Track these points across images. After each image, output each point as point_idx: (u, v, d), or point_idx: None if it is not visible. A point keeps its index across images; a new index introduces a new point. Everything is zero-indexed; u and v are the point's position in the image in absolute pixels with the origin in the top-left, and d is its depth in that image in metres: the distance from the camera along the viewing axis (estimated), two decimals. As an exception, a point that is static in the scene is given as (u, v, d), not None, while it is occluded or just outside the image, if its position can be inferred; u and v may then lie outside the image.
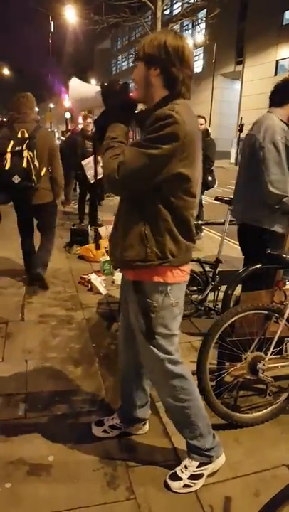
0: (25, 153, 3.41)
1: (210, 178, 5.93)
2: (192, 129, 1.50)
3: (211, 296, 3.55)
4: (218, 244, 3.45)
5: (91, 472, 1.89)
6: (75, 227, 5.70)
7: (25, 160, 3.40)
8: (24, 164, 3.40)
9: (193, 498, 1.79)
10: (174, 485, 1.81)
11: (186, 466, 1.85)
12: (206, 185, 5.88)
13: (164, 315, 1.68)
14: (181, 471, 1.84)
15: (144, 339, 1.73)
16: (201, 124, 5.89)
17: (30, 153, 3.43)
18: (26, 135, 3.49)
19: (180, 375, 1.77)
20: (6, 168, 3.39)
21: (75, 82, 1.73)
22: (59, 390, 2.48)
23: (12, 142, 3.43)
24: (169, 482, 1.82)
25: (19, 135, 3.48)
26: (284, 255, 2.17)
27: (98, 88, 1.68)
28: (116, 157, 1.50)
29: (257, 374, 2.15)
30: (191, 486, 1.81)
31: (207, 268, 3.51)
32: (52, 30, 28.26)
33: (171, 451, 2.03)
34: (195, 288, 3.54)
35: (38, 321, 3.40)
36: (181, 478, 1.82)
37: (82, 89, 1.74)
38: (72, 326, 3.35)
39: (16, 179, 3.40)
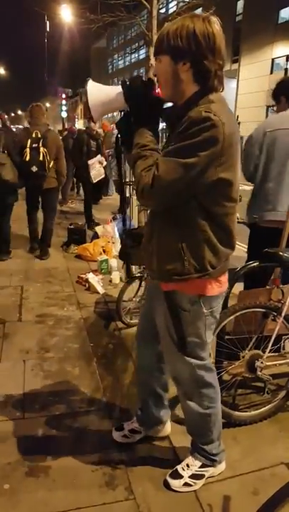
0: (41, 150, 4.44)
1: None
2: (231, 129, 1.36)
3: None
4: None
5: (90, 472, 1.89)
6: (72, 227, 5.69)
7: (41, 154, 4.44)
8: (41, 158, 4.44)
9: (192, 497, 1.78)
10: (175, 483, 1.80)
11: (188, 465, 1.84)
12: None
13: (196, 325, 1.61)
14: (183, 469, 1.83)
15: (175, 348, 1.65)
16: None
17: (44, 150, 4.45)
18: (39, 135, 4.48)
19: (210, 384, 1.74)
20: (27, 159, 4.41)
21: (92, 86, 1.55)
22: (57, 390, 2.47)
23: (29, 140, 4.43)
24: (170, 480, 1.81)
25: (34, 135, 4.47)
26: (281, 253, 2.17)
27: (119, 89, 1.51)
28: (149, 169, 1.38)
29: (255, 372, 2.15)
30: (191, 485, 1.80)
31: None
32: (48, 29, 28.17)
33: (170, 450, 2.03)
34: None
35: (35, 321, 3.39)
36: (182, 476, 1.81)
37: (102, 93, 1.56)
38: (70, 325, 3.34)
39: (34, 169, 4.46)
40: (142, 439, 2.07)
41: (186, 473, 1.81)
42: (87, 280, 4.15)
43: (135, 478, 1.86)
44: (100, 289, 4.03)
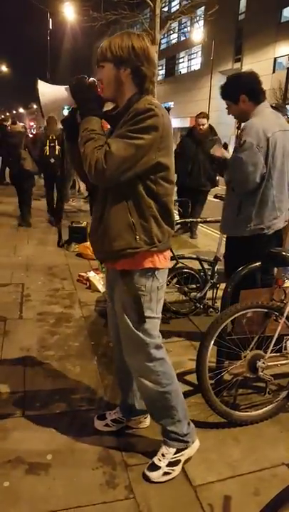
0: (57, 147, 6.58)
1: (217, 178, 5.86)
2: (168, 121, 1.63)
3: (209, 294, 3.55)
4: (215, 241, 3.44)
5: (90, 471, 1.88)
6: (73, 225, 5.68)
7: (57, 150, 6.58)
8: (57, 152, 6.58)
9: (193, 497, 1.78)
10: (153, 475, 1.84)
11: (163, 455, 1.89)
12: (214, 183, 5.92)
13: (150, 298, 1.75)
14: (159, 460, 1.88)
15: (129, 327, 1.76)
16: (203, 125, 5.76)
17: (58, 147, 6.51)
18: (54, 137, 6.58)
19: (162, 359, 1.82)
20: (47, 154, 6.60)
21: (42, 86, 1.77)
22: (57, 388, 2.47)
23: (48, 141, 6.60)
24: (148, 473, 1.85)
25: (50, 137, 6.62)
26: (284, 253, 2.16)
27: (66, 86, 1.73)
28: (100, 148, 1.56)
29: (256, 372, 2.14)
30: (170, 473, 1.85)
31: (206, 266, 3.51)
32: (50, 27, 28.09)
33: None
34: (194, 286, 3.53)
35: (36, 319, 3.38)
36: (159, 467, 1.85)
37: (51, 91, 1.78)
38: (71, 323, 3.33)
39: (52, 160, 6.61)
40: (142, 438, 2.08)
41: (162, 463, 1.86)
42: (87, 279, 4.15)
43: (135, 477, 1.86)
44: (101, 288, 4.02)
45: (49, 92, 1.78)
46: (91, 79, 1.76)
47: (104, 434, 2.10)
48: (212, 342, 2.09)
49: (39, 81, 1.78)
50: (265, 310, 2.18)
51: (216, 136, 5.92)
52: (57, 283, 4.23)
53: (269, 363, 2.17)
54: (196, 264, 3.52)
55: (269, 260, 2.29)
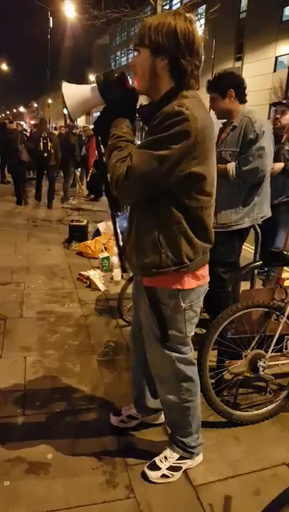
0: (49, 143, 7.86)
1: None
2: (205, 124, 1.39)
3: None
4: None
5: (90, 470, 1.88)
6: (73, 223, 5.68)
7: (49, 146, 7.85)
8: (49, 148, 7.85)
9: (193, 496, 1.77)
10: (152, 474, 1.83)
11: (166, 457, 1.87)
12: None
13: (176, 319, 1.63)
14: (161, 461, 1.86)
15: (156, 341, 1.69)
16: None
17: (50, 143, 7.86)
18: (46, 135, 7.95)
19: (190, 378, 1.76)
20: (41, 149, 7.82)
21: (66, 89, 1.57)
22: (58, 387, 2.46)
23: (41, 138, 7.83)
24: (147, 471, 1.84)
25: (43, 135, 7.91)
26: (285, 252, 2.15)
27: (93, 84, 1.54)
28: (124, 160, 1.41)
29: (257, 372, 2.14)
30: (168, 477, 1.83)
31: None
32: (51, 25, 28.06)
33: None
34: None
35: (36, 318, 3.37)
36: (160, 468, 1.84)
37: (77, 93, 1.58)
38: (71, 322, 3.33)
39: (45, 154, 7.86)
40: (142, 437, 2.07)
41: (163, 465, 1.84)
42: (88, 277, 4.14)
43: (136, 476, 1.85)
44: (101, 287, 4.02)
45: (74, 94, 1.57)
46: (120, 72, 1.55)
47: (104, 434, 2.10)
48: (213, 341, 2.08)
49: (64, 83, 1.58)
50: (266, 309, 2.17)
51: None
52: (57, 282, 4.22)
53: (270, 363, 2.16)
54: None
55: (270, 259, 2.28)
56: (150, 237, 1.51)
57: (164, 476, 1.83)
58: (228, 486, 1.83)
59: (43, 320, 3.34)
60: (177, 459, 1.86)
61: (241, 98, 2.54)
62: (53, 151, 7.85)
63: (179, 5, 15.48)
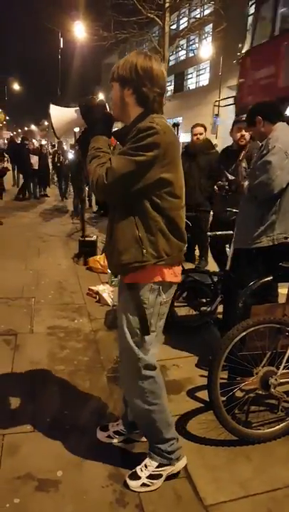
0: (61, 157, 12.20)
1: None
2: (171, 138, 1.65)
3: (220, 308, 3.52)
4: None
5: (100, 488, 1.86)
6: (83, 239, 5.72)
7: (61, 158, 12.27)
8: (61, 159, 12.30)
9: (205, 517, 1.74)
10: (132, 484, 1.85)
11: (146, 465, 1.90)
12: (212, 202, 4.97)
13: (152, 312, 1.76)
14: (141, 470, 1.88)
15: (127, 338, 1.78)
16: (201, 134, 5.08)
17: (62, 157, 12.05)
18: (60, 152, 12.46)
19: (152, 378, 1.82)
20: (56, 160, 12.73)
21: (54, 110, 1.85)
22: (67, 403, 2.46)
23: (58, 153, 12.58)
24: (128, 481, 1.86)
25: (59, 151, 12.49)
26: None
27: (77, 108, 1.81)
28: (102, 165, 1.62)
29: (268, 389, 2.12)
30: (149, 486, 1.85)
31: (216, 280, 3.49)
32: (61, 45, 28.72)
33: (182, 469, 1.99)
34: (204, 300, 3.52)
35: (46, 333, 3.39)
36: (139, 477, 1.87)
37: (63, 114, 1.86)
38: (80, 337, 3.33)
39: (58, 164, 12.63)
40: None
41: (143, 474, 1.87)
42: (97, 292, 4.16)
43: (146, 495, 1.83)
44: (111, 302, 4.03)
45: (60, 115, 1.85)
46: (99, 99, 1.82)
47: (114, 450, 2.08)
48: (223, 358, 2.07)
49: (51, 106, 1.86)
50: (278, 325, 2.16)
51: (214, 149, 5.25)
52: (67, 296, 4.24)
53: (281, 380, 2.14)
54: (206, 278, 3.51)
55: (282, 274, 2.28)
56: (131, 234, 1.68)
57: (144, 484, 1.85)
58: (240, 506, 1.80)
59: (53, 335, 3.35)
60: (156, 467, 1.89)
61: (271, 119, 2.60)
62: (66, 161, 11.07)
63: (186, 24, 15.79)
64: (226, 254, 3.85)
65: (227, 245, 3.74)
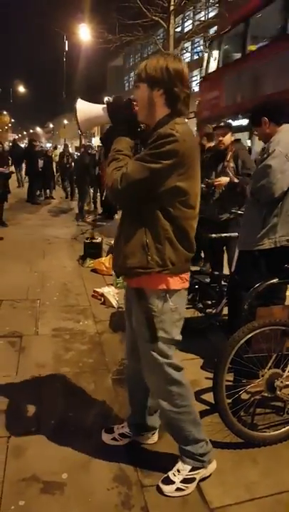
0: (69, 159, 12.76)
1: None
2: (191, 146, 1.63)
3: (225, 310, 3.51)
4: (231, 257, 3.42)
5: (105, 491, 1.86)
6: (88, 241, 5.74)
7: (69, 160, 12.78)
8: (69, 161, 12.85)
9: (210, 520, 1.73)
10: (166, 488, 1.84)
11: (178, 470, 1.87)
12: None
13: (163, 319, 1.73)
14: (174, 475, 1.87)
15: (145, 344, 1.77)
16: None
17: (70, 158, 12.33)
18: (68, 154, 13.10)
19: (178, 381, 1.81)
20: (65, 161, 12.83)
21: (81, 104, 1.81)
22: (72, 405, 2.46)
23: (66, 155, 13.00)
24: (162, 486, 1.85)
25: (66, 154, 12.82)
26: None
27: (104, 105, 1.78)
28: (119, 169, 1.60)
29: (274, 391, 2.11)
30: (183, 490, 1.84)
31: (221, 282, 3.48)
32: (66, 49, 28.89)
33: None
34: (209, 302, 3.51)
35: (51, 335, 3.39)
36: (173, 482, 1.85)
37: (89, 109, 1.82)
38: (86, 339, 3.33)
39: (67, 165, 12.64)
40: (158, 458, 2.04)
41: (177, 479, 1.85)
42: (102, 294, 4.16)
43: (151, 498, 1.82)
44: (115, 304, 4.03)
45: (87, 110, 1.82)
46: (129, 97, 1.78)
47: (119, 452, 2.08)
48: (229, 360, 2.06)
49: (79, 99, 1.83)
50: (283, 328, 2.15)
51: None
52: (72, 298, 4.25)
53: (287, 382, 2.12)
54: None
55: (287, 276, 2.27)
56: (138, 239, 1.67)
57: (178, 489, 1.83)
58: (246, 509, 1.79)
59: (58, 337, 3.36)
60: (190, 471, 1.87)
61: (277, 120, 2.59)
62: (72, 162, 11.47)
63: (190, 27, 15.82)
64: (223, 255, 3.91)
65: (225, 247, 3.79)
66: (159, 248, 1.66)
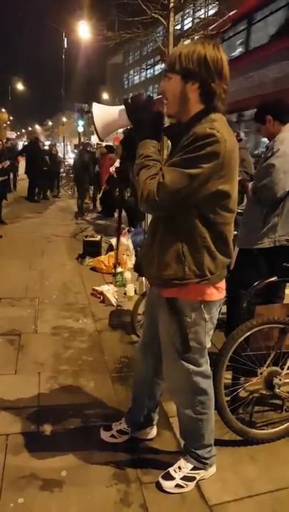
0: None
1: None
2: (231, 146, 1.48)
3: (224, 309, 3.51)
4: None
5: (104, 488, 1.86)
6: (87, 239, 5.74)
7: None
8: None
9: (209, 517, 1.74)
10: (166, 484, 1.84)
11: (180, 467, 1.88)
12: None
13: (197, 330, 1.67)
14: (175, 471, 1.87)
15: (174, 354, 1.71)
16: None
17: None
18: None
19: (204, 391, 1.78)
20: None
21: (97, 108, 1.66)
22: (71, 403, 2.46)
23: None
24: (162, 481, 1.85)
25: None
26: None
27: (122, 107, 1.63)
28: (153, 177, 1.47)
29: (273, 389, 2.11)
30: (182, 487, 1.84)
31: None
32: (65, 46, 28.79)
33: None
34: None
35: (50, 333, 3.40)
36: (173, 478, 1.85)
37: (106, 114, 1.67)
38: (85, 338, 3.34)
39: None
40: (157, 455, 2.05)
41: (177, 475, 1.85)
42: (101, 292, 4.16)
43: (151, 495, 1.83)
44: (115, 302, 4.04)
45: (104, 115, 1.66)
46: (146, 95, 1.64)
47: (118, 450, 2.08)
48: (228, 358, 2.07)
49: (94, 104, 1.67)
50: (282, 326, 2.15)
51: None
52: (71, 297, 4.25)
53: (286, 380, 2.13)
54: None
55: (286, 275, 2.27)
56: (174, 250, 1.56)
57: (178, 485, 1.83)
58: (244, 506, 1.80)
59: (57, 335, 3.36)
60: (191, 469, 1.88)
61: (281, 119, 2.58)
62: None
63: (190, 24, 15.78)
64: None
65: None
66: (196, 257, 1.55)
